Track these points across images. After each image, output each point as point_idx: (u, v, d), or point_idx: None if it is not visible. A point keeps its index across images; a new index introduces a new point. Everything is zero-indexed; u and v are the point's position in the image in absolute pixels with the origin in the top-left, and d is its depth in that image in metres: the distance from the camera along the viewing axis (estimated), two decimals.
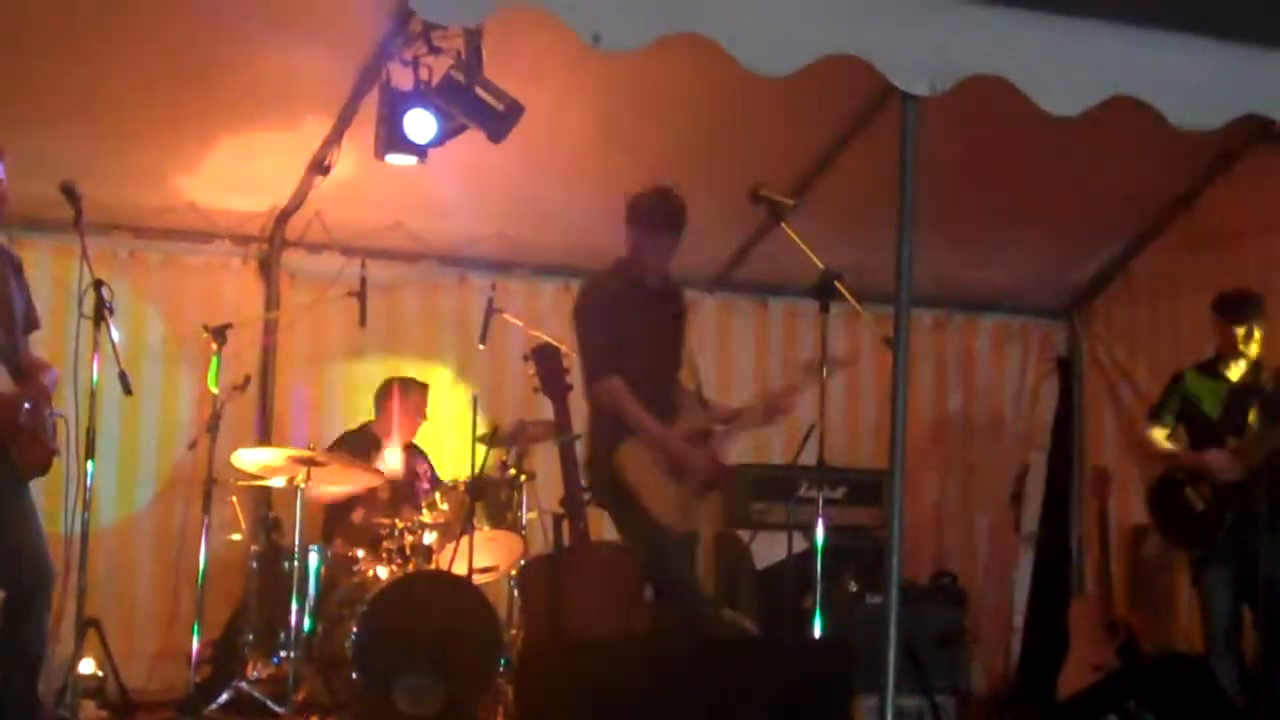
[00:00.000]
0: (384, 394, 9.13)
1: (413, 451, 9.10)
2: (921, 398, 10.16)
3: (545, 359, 7.35)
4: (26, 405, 6.36)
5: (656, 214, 6.95)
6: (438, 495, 8.42)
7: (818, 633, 6.43)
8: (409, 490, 8.79)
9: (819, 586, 6.35)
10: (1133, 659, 8.23)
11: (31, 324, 6.71)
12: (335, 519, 8.85)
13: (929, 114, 5.36)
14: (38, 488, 6.53)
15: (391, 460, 8.85)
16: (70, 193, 6.62)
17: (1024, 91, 5.29)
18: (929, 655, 8.38)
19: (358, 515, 8.73)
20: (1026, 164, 8.60)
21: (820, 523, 6.44)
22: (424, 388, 9.20)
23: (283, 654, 8.06)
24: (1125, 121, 5.66)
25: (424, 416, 9.17)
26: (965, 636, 9.14)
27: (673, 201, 6.95)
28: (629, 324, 6.84)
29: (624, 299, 6.92)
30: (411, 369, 9.44)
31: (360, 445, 8.89)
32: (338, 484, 8.60)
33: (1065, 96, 5.36)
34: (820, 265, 6.51)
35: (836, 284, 6.51)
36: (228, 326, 8.31)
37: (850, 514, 8.84)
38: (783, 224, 6.89)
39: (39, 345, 6.79)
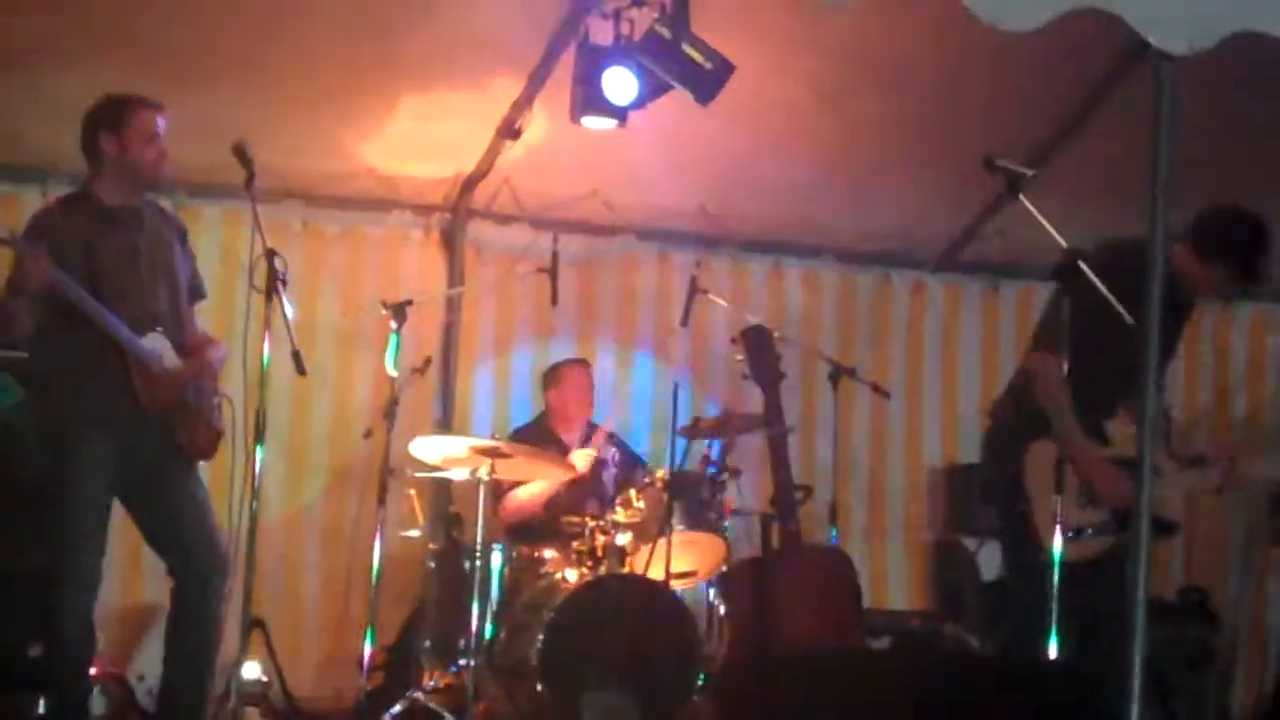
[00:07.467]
0: (549, 382, 9.05)
1: (602, 436, 8.91)
2: (1169, 393, 9.55)
3: (755, 342, 7.36)
4: (192, 384, 6.38)
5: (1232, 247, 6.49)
6: (633, 492, 8.15)
7: (1053, 652, 5.91)
8: (595, 481, 8.62)
9: (1054, 601, 5.83)
10: None
11: (197, 293, 6.69)
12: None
13: (1184, 74, 4.83)
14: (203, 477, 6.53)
15: (581, 461, 8.62)
16: (241, 154, 6.27)
17: None
18: (1176, 678, 8.18)
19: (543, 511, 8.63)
20: None
21: (1057, 531, 5.92)
22: (584, 364, 9.11)
23: (462, 662, 7.81)
24: None
25: (591, 394, 9.06)
26: (1216, 659, 8.84)
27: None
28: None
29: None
30: (606, 352, 9.51)
31: (536, 439, 8.66)
32: (523, 477, 8.44)
33: None
34: (1063, 243, 5.96)
35: (1080, 264, 5.89)
36: (408, 303, 8.04)
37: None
38: (1020, 196, 6.29)
39: (206, 317, 6.77)
